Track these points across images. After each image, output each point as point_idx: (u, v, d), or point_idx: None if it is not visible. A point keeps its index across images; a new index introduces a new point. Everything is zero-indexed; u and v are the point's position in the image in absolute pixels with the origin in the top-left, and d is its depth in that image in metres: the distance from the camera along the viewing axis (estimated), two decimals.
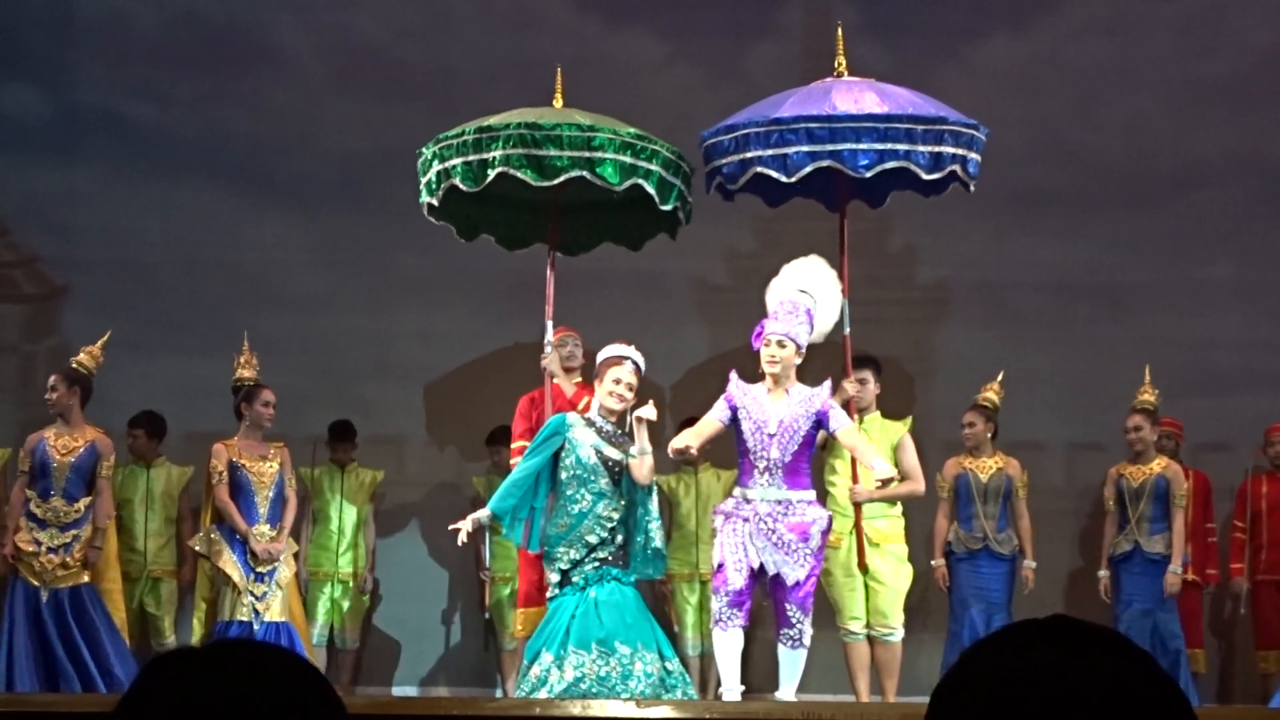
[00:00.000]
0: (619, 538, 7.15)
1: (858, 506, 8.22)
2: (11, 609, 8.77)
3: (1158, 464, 9.48)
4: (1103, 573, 9.48)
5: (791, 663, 7.33)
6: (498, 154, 7.64)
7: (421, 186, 8.01)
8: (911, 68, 10.26)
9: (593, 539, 7.10)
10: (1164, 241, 10.72)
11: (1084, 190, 10.77)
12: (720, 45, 10.78)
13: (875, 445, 8.29)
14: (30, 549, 8.80)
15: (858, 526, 8.26)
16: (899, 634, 8.43)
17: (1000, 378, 9.54)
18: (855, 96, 7.84)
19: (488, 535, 9.64)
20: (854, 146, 7.67)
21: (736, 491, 7.42)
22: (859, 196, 8.67)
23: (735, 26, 10.80)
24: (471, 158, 7.72)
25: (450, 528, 7.34)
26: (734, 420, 7.38)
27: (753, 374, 7.52)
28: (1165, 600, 9.28)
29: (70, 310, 10.48)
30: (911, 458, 8.50)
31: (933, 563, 9.33)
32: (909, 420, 8.74)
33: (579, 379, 8.58)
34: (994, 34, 11.01)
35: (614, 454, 7.20)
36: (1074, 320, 10.77)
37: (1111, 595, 9.43)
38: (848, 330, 8.17)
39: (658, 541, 7.16)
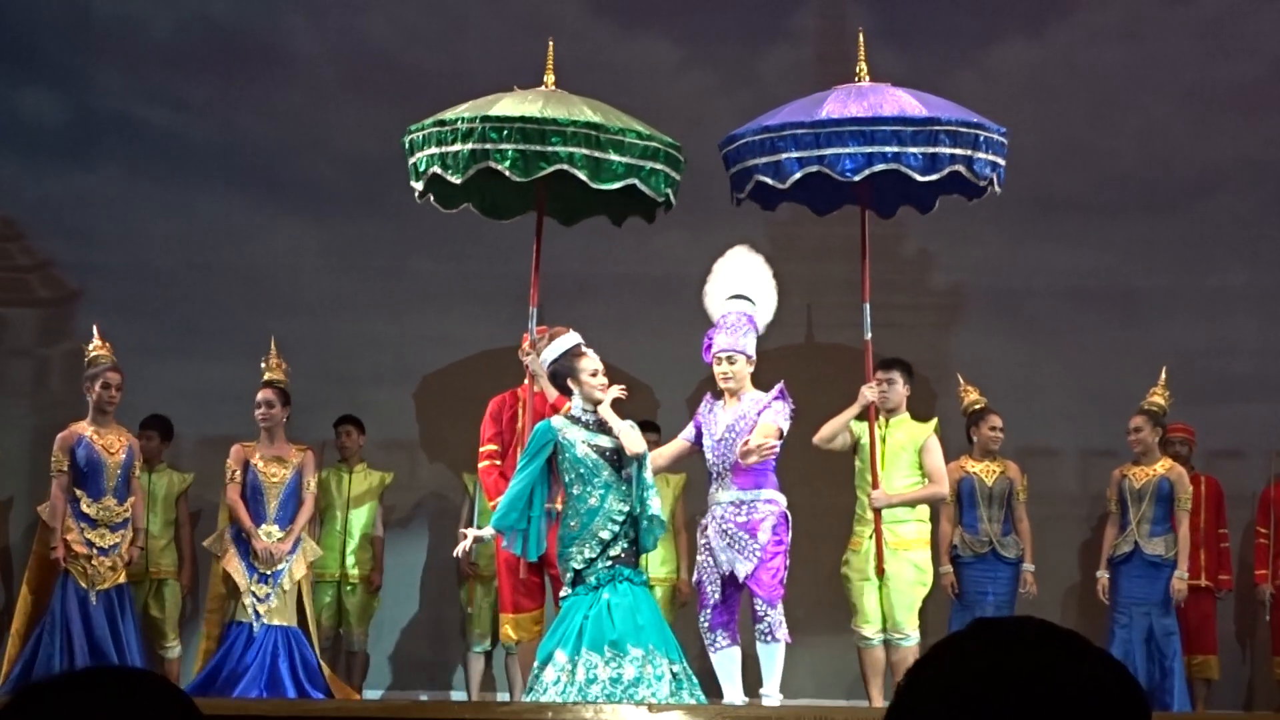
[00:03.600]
0: (631, 533, 7.14)
1: (878, 511, 8.24)
2: (65, 613, 8.69)
3: (1161, 466, 9.43)
4: (1101, 573, 9.45)
5: (768, 658, 7.39)
6: (560, 150, 7.56)
7: (436, 160, 7.80)
8: (927, 72, 10.19)
9: (605, 535, 7.08)
10: (1179, 247, 10.68)
11: (1099, 195, 10.72)
12: (734, 50, 10.73)
13: (902, 448, 8.42)
14: (83, 551, 8.75)
15: (877, 531, 8.26)
16: (913, 638, 8.41)
17: (963, 380, 9.57)
18: (851, 101, 7.79)
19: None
20: (839, 151, 7.62)
21: (708, 499, 7.66)
22: (909, 202, 8.66)
23: (749, 31, 10.74)
24: (525, 147, 7.58)
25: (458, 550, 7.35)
26: (700, 437, 7.64)
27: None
28: (1165, 604, 9.24)
29: (84, 314, 10.32)
30: (935, 460, 8.50)
31: (940, 570, 9.29)
32: (934, 422, 8.70)
33: None
34: (1009, 39, 10.96)
35: (607, 442, 7.19)
36: (1088, 326, 10.70)
37: (1110, 597, 9.38)
38: (869, 335, 8.16)
39: (654, 509, 7.13)
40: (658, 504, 7.19)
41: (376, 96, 10.53)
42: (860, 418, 8.31)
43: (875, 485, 8.26)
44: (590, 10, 10.89)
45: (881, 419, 8.39)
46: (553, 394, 8.12)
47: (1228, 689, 10.16)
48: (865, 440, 8.42)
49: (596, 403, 7.20)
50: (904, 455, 8.50)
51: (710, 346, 7.68)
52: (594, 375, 7.23)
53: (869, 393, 8.18)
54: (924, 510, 8.54)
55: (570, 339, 7.35)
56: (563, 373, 7.30)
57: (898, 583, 8.36)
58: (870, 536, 8.33)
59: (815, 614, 9.40)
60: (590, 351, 7.31)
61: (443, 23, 10.89)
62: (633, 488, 7.14)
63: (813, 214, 8.85)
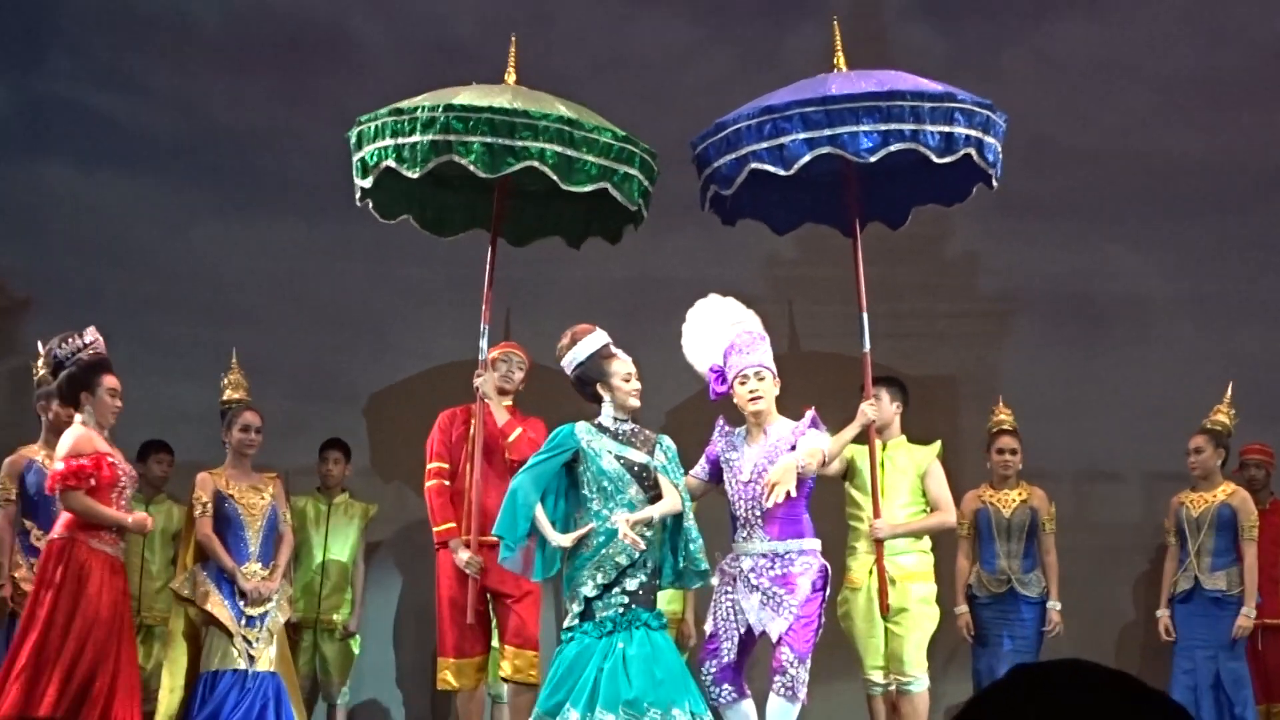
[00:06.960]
0: (650, 564, 6.57)
1: (879, 544, 7.67)
2: None
3: (1222, 491, 9.03)
4: (1161, 611, 9.05)
5: (782, 716, 6.76)
6: (531, 145, 7.09)
7: (390, 153, 7.30)
8: (972, 51, 10.03)
9: (622, 560, 6.50)
10: (1254, 249, 10.27)
11: (1164, 192, 10.30)
12: (757, 28, 10.35)
13: (902, 473, 8.03)
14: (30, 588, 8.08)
15: (879, 566, 7.66)
16: (921, 683, 7.95)
17: (1001, 400, 9.23)
18: (855, 82, 7.20)
19: None
20: (854, 129, 7.00)
21: (733, 546, 7.03)
22: (876, 216, 8.13)
23: (773, 9, 10.36)
24: (492, 140, 7.09)
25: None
26: (717, 474, 7.04)
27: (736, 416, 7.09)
28: (1231, 645, 8.81)
29: (32, 325, 9.82)
30: (940, 486, 8.06)
31: (956, 610, 8.85)
32: (938, 445, 8.19)
33: (509, 402, 7.95)
34: (1067, 16, 10.52)
35: (640, 458, 6.63)
36: (1154, 335, 10.33)
37: (1173, 637, 8.97)
38: (867, 347, 7.55)
39: (706, 564, 6.68)
40: (704, 558, 6.68)
41: (358, 85, 9.97)
42: (859, 439, 7.66)
43: (877, 514, 7.70)
44: None
45: (879, 442, 7.83)
46: (502, 418, 7.72)
47: None
48: (861, 464, 7.94)
49: (630, 410, 6.72)
50: (904, 481, 8.05)
51: (720, 377, 7.05)
52: (627, 380, 6.73)
53: (869, 410, 7.51)
54: (926, 539, 8.09)
55: (598, 338, 6.77)
56: (591, 377, 6.72)
57: (902, 621, 7.89)
58: (870, 572, 7.81)
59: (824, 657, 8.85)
60: (621, 352, 6.78)
61: (434, 3, 10.57)
62: (680, 546, 6.66)
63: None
